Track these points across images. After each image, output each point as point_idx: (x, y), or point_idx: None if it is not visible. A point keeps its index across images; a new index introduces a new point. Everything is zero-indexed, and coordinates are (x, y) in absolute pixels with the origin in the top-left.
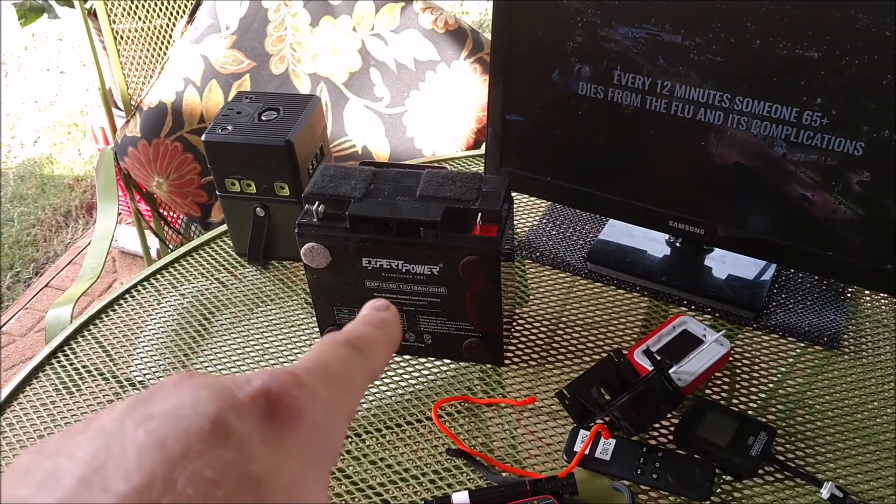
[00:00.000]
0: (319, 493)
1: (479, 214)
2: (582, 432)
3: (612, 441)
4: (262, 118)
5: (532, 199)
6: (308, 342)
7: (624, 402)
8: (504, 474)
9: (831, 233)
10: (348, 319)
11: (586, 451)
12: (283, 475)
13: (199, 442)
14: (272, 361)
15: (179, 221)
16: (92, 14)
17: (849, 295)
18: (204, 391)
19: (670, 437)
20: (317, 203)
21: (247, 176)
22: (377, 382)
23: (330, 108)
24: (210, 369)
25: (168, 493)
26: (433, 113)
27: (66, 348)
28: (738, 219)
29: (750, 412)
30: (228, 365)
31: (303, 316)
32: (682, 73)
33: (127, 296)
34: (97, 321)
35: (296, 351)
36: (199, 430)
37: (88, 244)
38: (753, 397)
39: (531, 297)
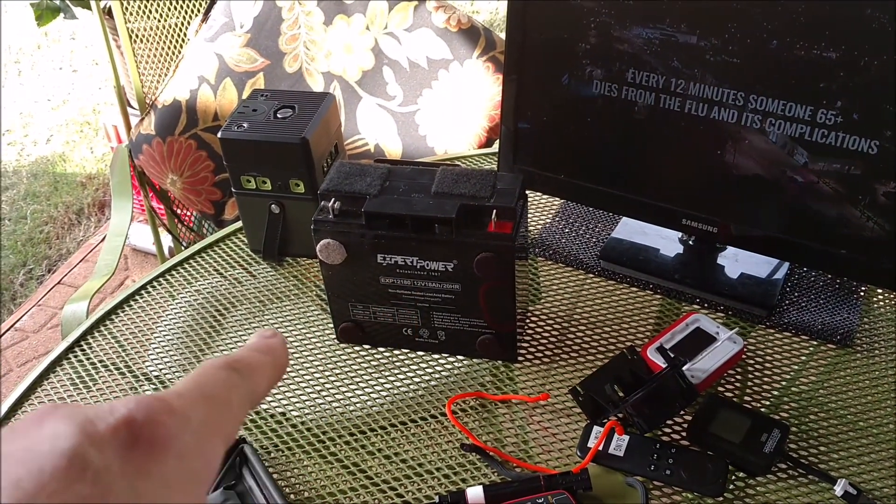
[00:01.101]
0: None
1: (494, 211)
2: (596, 428)
3: (626, 437)
4: (278, 116)
5: (545, 197)
6: (322, 337)
7: (638, 399)
8: (518, 469)
9: (844, 231)
10: (363, 315)
11: (600, 447)
12: (145, 501)
13: (55, 481)
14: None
15: (192, 219)
16: (107, 13)
17: (861, 293)
18: (63, 425)
19: (683, 434)
20: (333, 200)
21: (262, 173)
22: (391, 378)
23: (343, 106)
24: None
25: None
26: (446, 111)
27: (82, 343)
28: (751, 217)
29: (762, 409)
30: None
31: (317, 312)
32: (698, 73)
33: (143, 291)
34: (113, 316)
35: (310, 346)
36: (54, 468)
37: (101, 241)
38: (766, 394)
39: (544, 295)
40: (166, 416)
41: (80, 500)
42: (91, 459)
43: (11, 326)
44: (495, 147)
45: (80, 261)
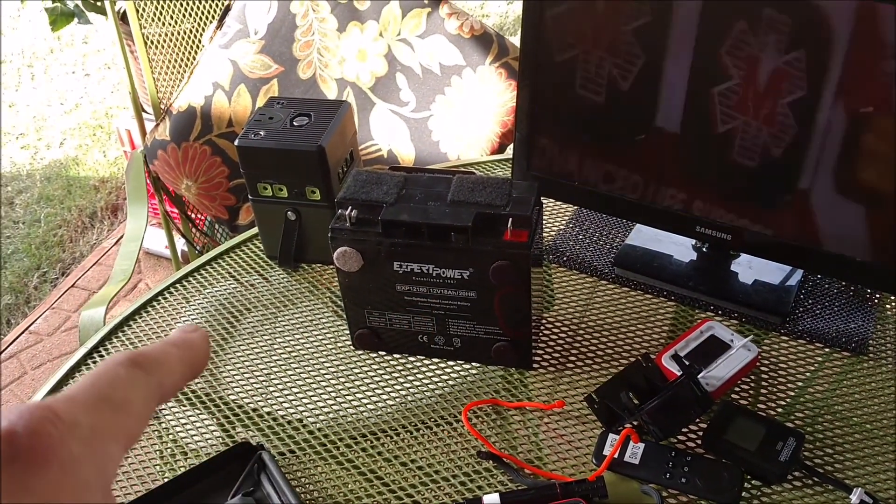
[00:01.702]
0: None
1: (510, 220)
2: (611, 436)
3: (641, 445)
4: (294, 124)
5: (558, 203)
6: (336, 342)
7: (653, 407)
8: (533, 477)
9: (860, 238)
10: (379, 322)
11: (615, 455)
12: None
13: None
14: (300, 360)
15: (205, 222)
16: (121, 18)
17: (875, 300)
18: None
19: (699, 442)
20: (349, 208)
21: (279, 180)
22: (404, 383)
23: (356, 112)
24: (239, 367)
25: None
26: (458, 117)
27: (100, 349)
28: (765, 224)
29: (776, 417)
30: (257, 363)
31: (330, 317)
32: (716, 78)
33: (159, 297)
34: (130, 322)
35: (324, 351)
36: None
37: (114, 245)
38: (781, 402)
39: (557, 301)
40: (50, 425)
41: None
42: None
43: (26, 329)
44: (508, 153)
45: (94, 264)
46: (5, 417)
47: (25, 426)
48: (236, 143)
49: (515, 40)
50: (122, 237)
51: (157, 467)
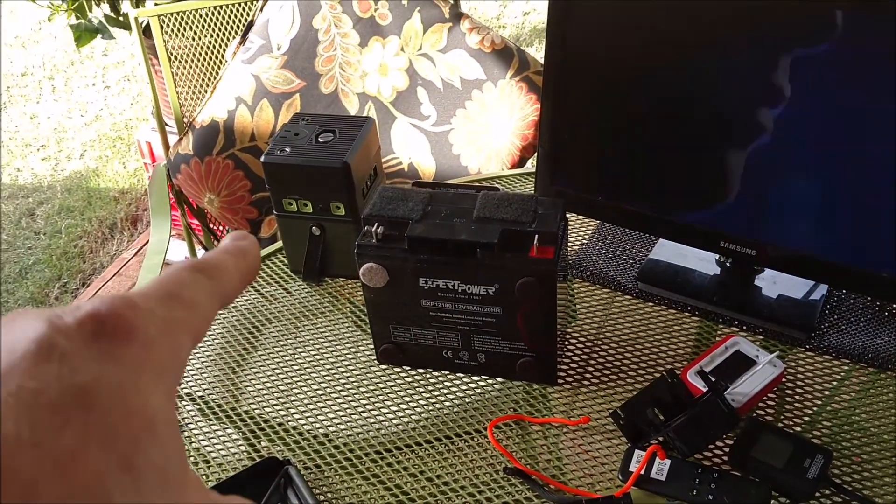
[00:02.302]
0: (154, 400)
1: (536, 236)
2: (637, 452)
3: (668, 461)
4: (319, 140)
5: (581, 217)
6: (358, 355)
7: (680, 423)
8: (559, 493)
9: (885, 253)
10: (403, 337)
11: (642, 471)
12: (112, 382)
13: (24, 360)
14: (323, 374)
15: (225, 234)
16: (144, 32)
17: None
18: (32, 321)
19: (725, 458)
20: (376, 224)
21: (304, 196)
22: (427, 397)
23: (377, 126)
24: (262, 379)
25: None
26: (479, 131)
27: None
28: (789, 240)
29: (800, 432)
30: (280, 375)
31: (352, 329)
32: (743, 94)
33: None
34: None
35: (347, 364)
36: (24, 350)
37: (133, 255)
38: (807, 418)
39: (580, 316)
40: (129, 310)
41: (47, 377)
42: (58, 343)
43: None
44: (528, 167)
45: (114, 275)
46: (88, 303)
47: (108, 309)
48: (262, 159)
49: (534, 52)
50: (141, 248)
51: None
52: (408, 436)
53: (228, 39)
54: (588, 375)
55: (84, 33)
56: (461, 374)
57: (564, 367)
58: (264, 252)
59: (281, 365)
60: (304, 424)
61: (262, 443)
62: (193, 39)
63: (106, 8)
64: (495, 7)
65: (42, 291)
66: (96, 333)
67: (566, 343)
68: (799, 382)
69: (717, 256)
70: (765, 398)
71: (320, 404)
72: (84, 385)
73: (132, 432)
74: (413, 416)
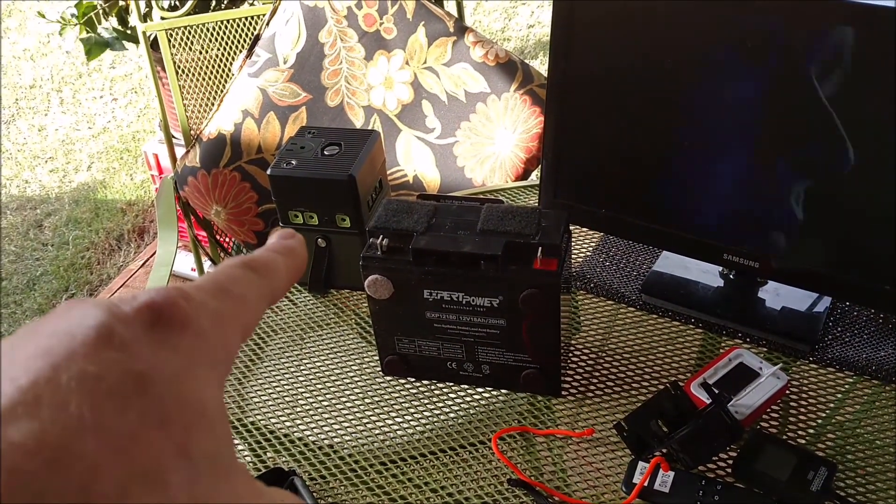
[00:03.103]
0: (207, 390)
1: (540, 248)
2: (641, 464)
3: (671, 473)
4: (325, 153)
5: (584, 229)
6: (363, 366)
7: (683, 435)
8: None
9: (889, 266)
10: (408, 349)
11: (645, 483)
12: (168, 370)
13: (84, 346)
14: (328, 385)
15: (231, 245)
16: (151, 45)
17: None
18: (91, 308)
19: (729, 470)
20: (381, 236)
21: (309, 208)
22: (432, 408)
23: (383, 138)
24: (268, 390)
25: (53, 388)
26: (483, 143)
27: None
28: (793, 252)
29: (804, 444)
30: (285, 386)
31: (357, 340)
32: (744, 107)
33: None
34: None
35: (352, 375)
36: (84, 337)
37: (140, 267)
38: (811, 431)
39: (584, 328)
40: (184, 301)
41: (107, 363)
42: (118, 331)
43: None
44: (532, 179)
45: (121, 286)
46: (145, 293)
47: (164, 299)
48: (268, 172)
49: (538, 66)
50: (148, 259)
51: None
52: (412, 447)
53: (235, 53)
54: (592, 387)
55: (94, 46)
56: (465, 386)
57: (568, 378)
58: None
59: (286, 376)
60: (310, 435)
61: (268, 453)
62: (201, 53)
63: (114, 21)
64: (500, 20)
65: (50, 303)
66: (153, 322)
67: (570, 355)
68: (803, 395)
69: (720, 269)
70: (769, 410)
71: (325, 415)
72: (142, 372)
73: (187, 419)
74: (418, 428)
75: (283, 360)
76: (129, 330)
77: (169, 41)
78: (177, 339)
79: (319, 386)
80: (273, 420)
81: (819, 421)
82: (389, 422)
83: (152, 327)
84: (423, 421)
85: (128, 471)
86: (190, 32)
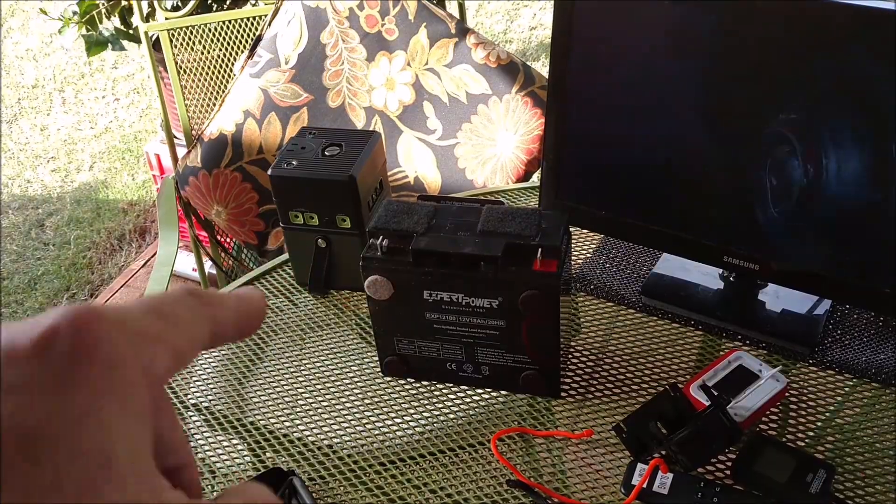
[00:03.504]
0: (113, 432)
1: (539, 250)
2: (639, 465)
3: (670, 475)
4: (326, 154)
5: (585, 231)
6: (363, 367)
7: (682, 437)
8: None
9: (889, 269)
10: (408, 349)
11: (644, 485)
12: (64, 418)
13: None
14: (328, 385)
15: (232, 245)
16: (153, 45)
17: None
18: None
19: (727, 472)
20: (381, 237)
21: (310, 209)
22: (431, 409)
23: (384, 139)
24: (268, 390)
25: None
26: (484, 145)
27: None
28: (793, 255)
29: (804, 447)
30: (285, 386)
31: (357, 341)
32: (743, 108)
33: None
34: None
35: (352, 376)
36: None
37: (142, 267)
38: (811, 433)
39: (584, 330)
40: (95, 322)
41: (5, 414)
42: (5, 378)
43: None
44: (533, 181)
45: (122, 286)
46: (51, 317)
47: (70, 324)
48: (269, 172)
49: (540, 68)
50: (150, 259)
51: None
52: (412, 448)
53: (237, 53)
54: (591, 389)
55: (94, 44)
56: (465, 387)
57: (568, 380)
58: (271, 264)
59: (286, 376)
60: (309, 435)
61: (267, 453)
62: (202, 53)
63: (116, 21)
64: (502, 22)
65: (51, 302)
66: (53, 355)
67: (570, 356)
68: (802, 397)
69: (720, 271)
70: (768, 413)
71: (325, 416)
72: (29, 430)
73: (87, 477)
74: (417, 428)
75: (283, 361)
76: (21, 372)
77: (171, 41)
78: (81, 373)
79: (319, 386)
80: (273, 420)
81: (819, 424)
82: (389, 422)
83: (52, 361)
84: (423, 422)
85: None
86: (192, 33)
